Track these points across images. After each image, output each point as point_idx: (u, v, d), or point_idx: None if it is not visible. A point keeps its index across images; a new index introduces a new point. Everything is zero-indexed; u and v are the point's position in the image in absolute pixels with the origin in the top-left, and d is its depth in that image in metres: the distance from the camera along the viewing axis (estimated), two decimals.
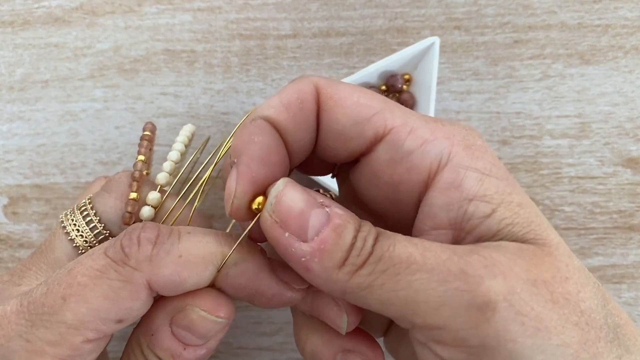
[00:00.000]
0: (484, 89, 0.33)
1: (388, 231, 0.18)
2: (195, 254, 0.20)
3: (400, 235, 0.18)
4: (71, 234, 0.23)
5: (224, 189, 0.20)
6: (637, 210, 0.32)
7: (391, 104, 0.20)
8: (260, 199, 0.19)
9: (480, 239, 0.19)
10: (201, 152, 0.27)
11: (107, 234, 0.23)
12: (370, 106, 0.20)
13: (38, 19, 0.33)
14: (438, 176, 0.19)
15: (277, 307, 0.22)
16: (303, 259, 0.18)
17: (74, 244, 0.23)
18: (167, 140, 0.33)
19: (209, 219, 0.25)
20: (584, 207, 0.32)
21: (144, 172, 0.24)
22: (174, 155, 0.25)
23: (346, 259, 0.18)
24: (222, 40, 0.33)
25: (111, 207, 0.23)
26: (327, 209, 0.18)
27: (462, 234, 0.19)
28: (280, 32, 0.33)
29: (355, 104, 0.20)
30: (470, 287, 0.17)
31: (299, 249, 0.18)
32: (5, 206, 0.32)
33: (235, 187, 0.19)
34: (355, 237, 0.18)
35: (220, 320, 0.21)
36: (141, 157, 0.24)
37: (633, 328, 0.20)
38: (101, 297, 0.19)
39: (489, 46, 0.33)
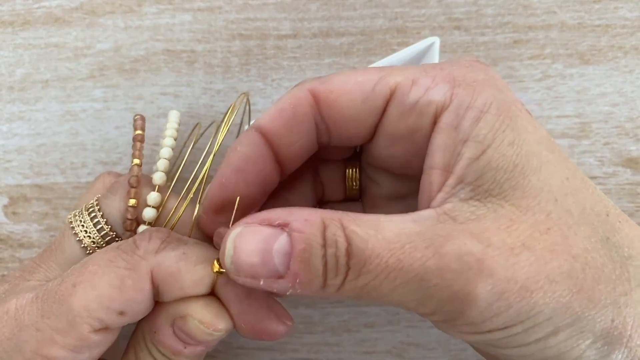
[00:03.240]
0: None
1: (357, 228, 0.18)
2: (197, 254, 0.21)
3: (370, 231, 0.18)
4: (79, 235, 0.23)
5: None
6: (637, 210, 0.32)
7: (387, 68, 0.21)
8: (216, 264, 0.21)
9: (463, 181, 0.19)
10: (194, 142, 0.27)
11: (113, 235, 0.24)
12: (369, 79, 0.20)
13: (38, 19, 0.33)
14: (440, 118, 0.19)
15: (261, 337, 0.22)
16: (288, 292, 0.18)
17: (82, 245, 0.23)
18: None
19: None
20: None
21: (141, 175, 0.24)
22: (166, 152, 0.25)
23: (325, 281, 0.18)
24: (222, 40, 0.33)
25: (116, 208, 0.24)
26: (287, 230, 0.18)
27: (450, 175, 0.19)
28: (280, 32, 0.33)
29: (355, 84, 0.20)
30: (448, 282, 0.17)
31: (279, 288, 0.18)
32: (5, 206, 0.32)
33: (207, 190, 0.21)
34: (324, 257, 0.17)
35: (217, 333, 0.21)
36: (136, 161, 0.24)
37: None
38: (107, 284, 0.20)
39: (488, 46, 0.33)
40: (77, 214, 0.24)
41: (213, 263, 0.21)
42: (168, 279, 0.21)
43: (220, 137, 0.23)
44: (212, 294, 0.22)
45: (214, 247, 0.22)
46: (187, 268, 0.21)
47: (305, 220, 0.18)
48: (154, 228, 0.23)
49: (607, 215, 0.19)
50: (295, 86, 0.22)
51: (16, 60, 0.33)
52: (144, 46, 0.33)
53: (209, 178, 0.23)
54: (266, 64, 0.33)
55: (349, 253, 0.17)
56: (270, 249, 0.18)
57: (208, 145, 0.24)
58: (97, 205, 0.24)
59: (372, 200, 0.25)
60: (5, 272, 0.32)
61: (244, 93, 0.27)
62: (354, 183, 0.25)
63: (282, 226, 0.18)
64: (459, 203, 0.18)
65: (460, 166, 0.19)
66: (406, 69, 0.21)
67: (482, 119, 0.18)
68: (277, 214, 0.19)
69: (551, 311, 0.17)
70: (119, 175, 0.26)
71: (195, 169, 0.23)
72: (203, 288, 0.21)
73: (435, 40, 0.29)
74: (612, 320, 0.18)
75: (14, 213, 0.32)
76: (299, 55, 0.33)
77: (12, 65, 0.33)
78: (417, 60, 0.30)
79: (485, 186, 0.18)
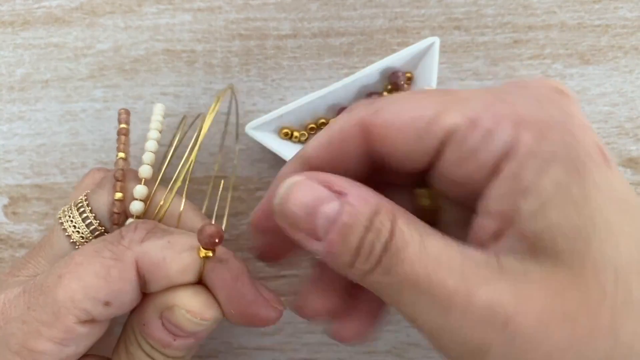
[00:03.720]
0: None
1: (405, 227, 0.17)
2: (182, 242, 0.21)
3: (416, 237, 0.17)
4: (68, 230, 0.23)
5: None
6: None
7: (445, 98, 0.19)
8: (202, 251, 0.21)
9: (518, 236, 0.17)
10: (181, 136, 0.27)
11: (102, 230, 0.24)
12: (425, 116, 0.18)
13: (38, 19, 0.33)
14: (502, 166, 0.17)
15: (252, 323, 0.22)
16: (318, 256, 0.18)
17: (71, 240, 0.23)
18: (167, 140, 0.33)
19: (200, 210, 0.26)
20: None
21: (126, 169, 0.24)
22: (151, 145, 0.25)
23: (353, 263, 0.17)
24: (222, 40, 0.33)
25: (104, 203, 0.24)
26: (342, 200, 0.17)
27: (507, 225, 0.17)
28: (280, 32, 0.33)
29: (410, 120, 0.19)
30: (467, 326, 0.16)
31: (313, 248, 0.18)
32: (5, 206, 0.32)
33: (252, 215, 0.22)
34: (362, 240, 0.17)
35: (205, 322, 0.21)
36: (121, 155, 0.24)
37: None
38: (93, 274, 0.20)
39: (488, 46, 0.33)
40: (66, 210, 0.24)
41: (199, 248, 0.21)
42: (153, 267, 0.20)
43: (204, 130, 0.23)
44: (200, 283, 0.22)
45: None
46: (172, 256, 0.21)
47: (362, 197, 0.18)
48: (140, 220, 0.23)
49: None
50: (345, 112, 0.20)
51: (16, 60, 0.33)
52: (144, 46, 0.33)
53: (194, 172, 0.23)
54: (266, 64, 0.33)
55: (386, 247, 0.17)
56: (317, 209, 0.18)
57: (193, 138, 0.24)
58: (85, 200, 0.24)
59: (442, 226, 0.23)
60: None
61: (229, 85, 0.27)
62: (427, 204, 0.22)
63: (340, 194, 0.18)
64: (510, 255, 0.17)
65: (518, 220, 0.17)
66: (466, 101, 0.18)
67: (546, 171, 0.16)
68: (340, 181, 0.18)
69: None
70: (108, 171, 0.26)
71: (182, 162, 0.23)
72: (190, 275, 0.21)
73: (435, 40, 0.29)
74: None
75: (14, 213, 0.32)
76: (299, 55, 0.33)
77: (12, 65, 0.33)
78: (417, 60, 0.30)
79: (541, 244, 0.17)
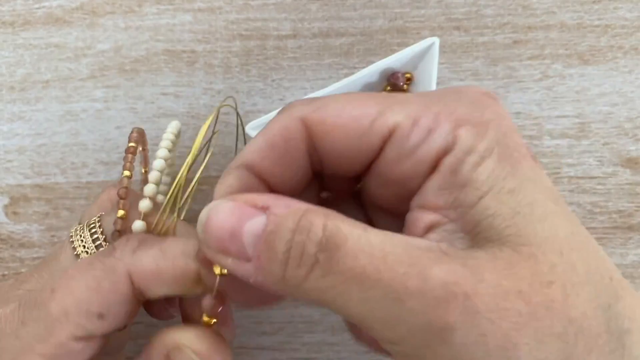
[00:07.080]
0: None
1: (340, 226, 0.16)
2: (175, 248, 0.21)
3: (353, 231, 0.16)
4: (77, 249, 0.23)
5: None
6: (637, 210, 0.32)
7: (387, 100, 0.19)
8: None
9: (460, 230, 0.17)
10: (191, 162, 0.26)
11: None
12: (367, 114, 0.18)
13: (39, 19, 0.33)
14: (441, 162, 0.18)
15: (272, 303, 0.21)
16: (251, 280, 0.17)
17: (79, 258, 0.23)
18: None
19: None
20: (583, 207, 0.33)
21: (131, 185, 0.24)
22: (158, 164, 0.25)
23: (285, 270, 0.16)
24: (222, 40, 0.33)
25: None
26: (267, 212, 0.16)
27: (443, 218, 0.18)
28: (281, 33, 0.33)
29: (350, 119, 0.18)
30: (426, 308, 0.15)
31: (244, 272, 0.17)
32: (6, 206, 0.32)
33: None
34: (289, 243, 0.16)
35: None
36: (127, 173, 0.24)
37: None
38: (85, 287, 0.20)
39: (488, 46, 0.33)
40: (78, 229, 0.24)
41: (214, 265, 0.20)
42: (147, 276, 0.20)
43: (195, 145, 0.22)
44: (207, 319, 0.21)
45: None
46: (165, 264, 0.20)
47: (287, 205, 0.17)
48: (134, 233, 0.22)
49: (611, 279, 0.18)
50: (283, 111, 0.19)
51: (17, 60, 0.33)
52: (144, 46, 0.33)
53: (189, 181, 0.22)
54: (266, 64, 0.33)
55: (321, 244, 0.15)
56: (241, 226, 0.17)
57: (202, 165, 0.23)
58: (98, 222, 0.24)
59: None
60: (6, 272, 0.32)
61: (226, 99, 0.26)
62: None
63: (264, 209, 0.17)
64: (450, 244, 0.17)
65: (457, 214, 0.17)
66: (407, 102, 0.19)
67: (482, 165, 0.17)
68: (264, 197, 0.17)
69: None
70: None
71: (190, 187, 0.23)
72: (187, 282, 0.21)
73: (435, 41, 0.30)
74: None
75: (14, 213, 0.32)
76: (299, 55, 0.33)
77: (12, 66, 0.33)
78: (416, 60, 0.31)
79: (482, 234, 0.17)
